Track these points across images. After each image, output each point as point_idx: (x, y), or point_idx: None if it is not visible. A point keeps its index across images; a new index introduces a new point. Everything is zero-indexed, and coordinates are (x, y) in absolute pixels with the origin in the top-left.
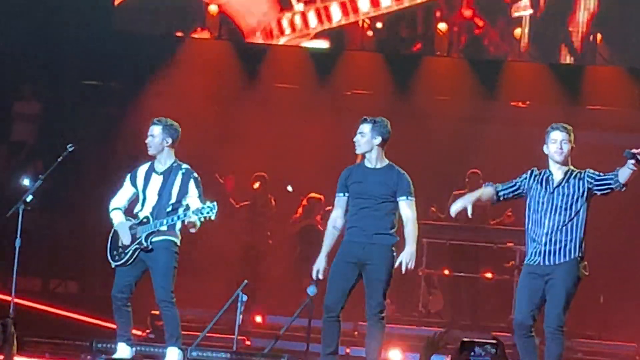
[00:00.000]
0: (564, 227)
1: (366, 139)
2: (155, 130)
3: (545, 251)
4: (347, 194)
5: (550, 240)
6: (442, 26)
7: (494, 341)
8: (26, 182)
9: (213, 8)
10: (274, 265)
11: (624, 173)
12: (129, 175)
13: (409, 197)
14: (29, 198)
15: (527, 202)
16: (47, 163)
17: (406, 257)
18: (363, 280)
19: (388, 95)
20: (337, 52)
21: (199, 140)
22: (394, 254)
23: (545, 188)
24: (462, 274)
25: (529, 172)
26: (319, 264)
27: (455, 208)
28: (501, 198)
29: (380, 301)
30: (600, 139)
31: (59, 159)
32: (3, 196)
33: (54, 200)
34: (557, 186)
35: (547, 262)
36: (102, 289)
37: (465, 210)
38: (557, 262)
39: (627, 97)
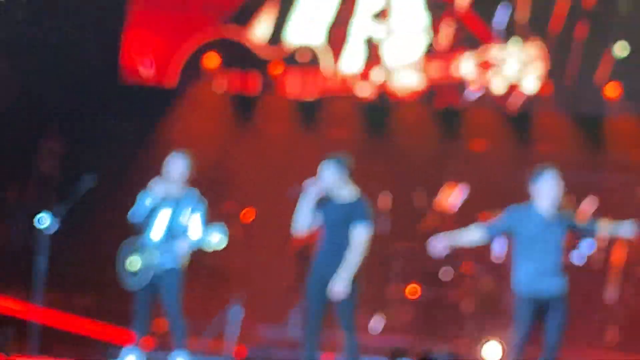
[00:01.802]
0: None
1: None
2: (181, 164)
3: None
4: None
5: None
6: None
7: (452, 354)
8: (48, 218)
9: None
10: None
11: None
12: (144, 195)
13: (361, 222)
14: (55, 228)
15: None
16: (68, 194)
17: (336, 286)
18: None
19: (364, 137)
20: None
21: (201, 176)
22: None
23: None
24: (427, 289)
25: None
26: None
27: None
28: None
29: (352, 316)
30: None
31: (82, 191)
32: (31, 225)
33: (76, 224)
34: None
35: None
36: (117, 304)
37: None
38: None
39: (570, 138)
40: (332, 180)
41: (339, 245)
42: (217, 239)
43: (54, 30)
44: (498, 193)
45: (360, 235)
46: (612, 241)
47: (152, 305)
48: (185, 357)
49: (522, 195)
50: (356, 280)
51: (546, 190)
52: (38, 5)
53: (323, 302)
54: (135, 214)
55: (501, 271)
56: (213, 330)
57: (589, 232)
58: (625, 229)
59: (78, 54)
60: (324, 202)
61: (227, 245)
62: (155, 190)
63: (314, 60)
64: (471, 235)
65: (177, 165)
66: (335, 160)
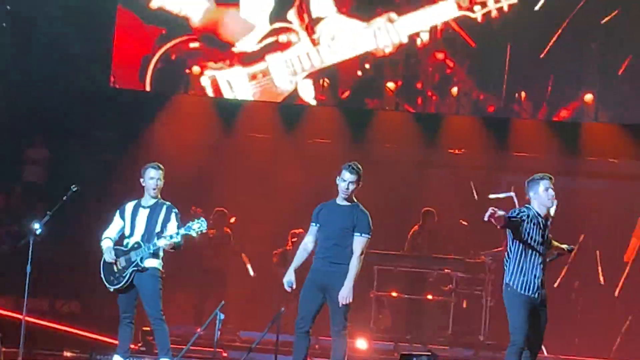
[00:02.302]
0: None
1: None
2: (158, 174)
3: None
4: (318, 225)
5: None
6: (390, 85)
7: (429, 353)
8: (36, 225)
9: (196, 69)
10: (243, 286)
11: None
12: (118, 211)
13: (363, 234)
14: (39, 231)
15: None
16: (54, 201)
17: (343, 293)
18: (327, 302)
19: (345, 143)
20: (302, 107)
21: (181, 181)
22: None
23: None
24: (407, 295)
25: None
26: (290, 276)
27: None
28: None
29: (341, 320)
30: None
31: (65, 198)
32: (18, 229)
33: (59, 232)
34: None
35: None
36: (100, 308)
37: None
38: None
39: (547, 145)
40: (352, 186)
41: (336, 251)
42: (197, 225)
43: (40, 41)
44: None
45: (362, 244)
46: None
47: (134, 310)
48: None
49: None
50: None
51: (543, 199)
52: (23, 15)
53: (316, 306)
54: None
55: None
56: (197, 334)
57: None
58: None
59: (64, 63)
60: (322, 209)
61: (209, 249)
62: (126, 208)
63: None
64: None
65: (151, 176)
66: (354, 167)
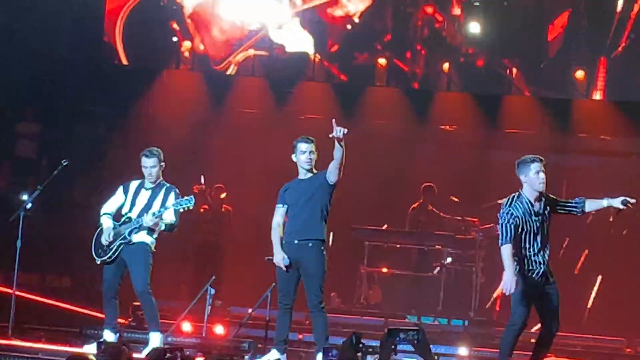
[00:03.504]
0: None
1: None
2: (152, 162)
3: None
4: (285, 205)
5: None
6: (382, 61)
7: (417, 328)
8: (25, 197)
9: (187, 44)
10: (236, 261)
11: (593, 206)
12: (121, 187)
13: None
14: (29, 205)
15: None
16: (45, 175)
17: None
18: (301, 277)
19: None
20: (294, 83)
21: (173, 157)
22: (324, 252)
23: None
24: (397, 271)
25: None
26: (280, 253)
27: None
28: None
29: (317, 293)
30: (514, 157)
31: (55, 172)
32: (7, 204)
33: (50, 206)
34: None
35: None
36: (91, 283)
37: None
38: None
39: (537, 121)
40: (313, 155)
41: (306, 228)
42: (184, 202)
43: (31, 14)
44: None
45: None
46: None
47: (117, 285)
48: (159, 337)
49: None
50: (324, 258)
51: (534, 183)
52: None
53: (294, 282)
54: (109, 205)
55: None
56: (187, 310)
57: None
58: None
59: (56, 37)
60: (287, 189)
61: (206, 223)
62: (131, 186)
63: None
64: None
65: (143, 165)
66: (311, 141)
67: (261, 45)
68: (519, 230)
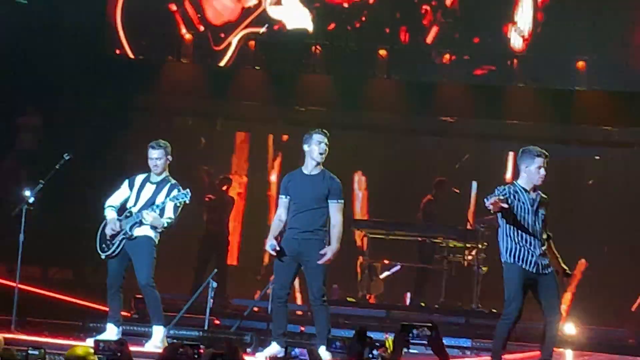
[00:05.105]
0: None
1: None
2: (158, 153)
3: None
4: (288, 197)
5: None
6: (382, 52)
7: (430, 324)
8: (27, 193)
9: (188, 37)
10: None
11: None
12: (127, 180)
13: (339, 200)
14: (31, 199)
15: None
16: (46, 169)
17: (327, 253)
18: (303, 271)
19: (337, 111)
20: (294, 75)
21: (176, 148)
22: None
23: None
24: (399, 263)
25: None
26: (271, 240)
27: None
28: None
29: (320, 287)
30: (515, 148)
31: (57, 166)
32: (10, 197)
33: (53, 200)
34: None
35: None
36: (93, 276)
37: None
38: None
39: (538, 112)
40: (325, 151)
41: (309, 221)
42: (181, 196)
43: (33, 6)
44: None
45: (340, 210)
46: None
47: (122, 279)
48: (161, 330)
49: None
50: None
51: (533, 177)
52: None
53: (291, 275)
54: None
55: None
56: (189, 302)
57: None
58: None
59: (58, 29)
60: (290, 180)
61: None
62: (136, 180)
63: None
64: None
65: (149, 156)
66: (326, 135)
67: (260, 22)
68: (513, 210)
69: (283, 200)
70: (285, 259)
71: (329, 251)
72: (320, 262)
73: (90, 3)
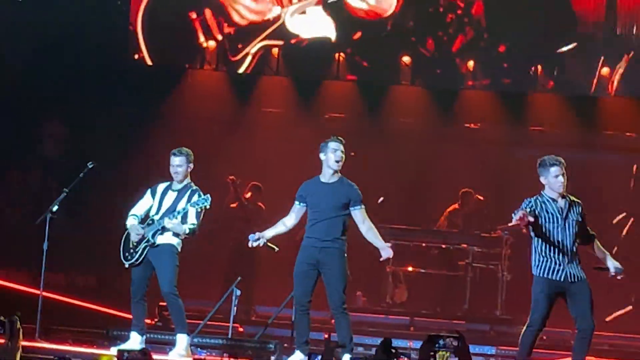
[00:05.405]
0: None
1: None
2: (179, 160)
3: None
4: (301, 204)
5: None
6: (406, 59)
7: (457, 335)
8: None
9: (211, 44)
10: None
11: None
12: (149, 189)
13: (361, 206)
14: (55, 208)
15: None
16: (71, 177)
17: (387, 251)
18: (323, 280)
19: (360, 117)
20: (316, 82)
21: (199, 155)
22: (345, 254)
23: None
24: (423, 270)
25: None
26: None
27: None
28: None
29: (340, 295)
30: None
31: (81, 175)
32: (37, 205)
33: (76, 208)
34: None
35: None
36: (117, 284)
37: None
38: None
39: (562, 119)
40: (341, 158)
41: (329, 229)
42: (201, 201)
43: (57, 14)
44: None
45: (364, 214)
46: None
47: (145, 287)
48: (185, 338)
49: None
50: (345, 261)
51: (553, 185)
52: None
53: (312, 283)
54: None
55: None
56: (213, 311)
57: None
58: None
59: (80, 37)
60: (307, 188)
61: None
62: (158, 188)
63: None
64: None
65: (170, 164)
66: (342, 142)
67: (278, 36)
68: (539, 222)
69: (296, 207)
70: (305, 268)
71: (385, 250)
72: (382, 259)
73: (114, 11)
